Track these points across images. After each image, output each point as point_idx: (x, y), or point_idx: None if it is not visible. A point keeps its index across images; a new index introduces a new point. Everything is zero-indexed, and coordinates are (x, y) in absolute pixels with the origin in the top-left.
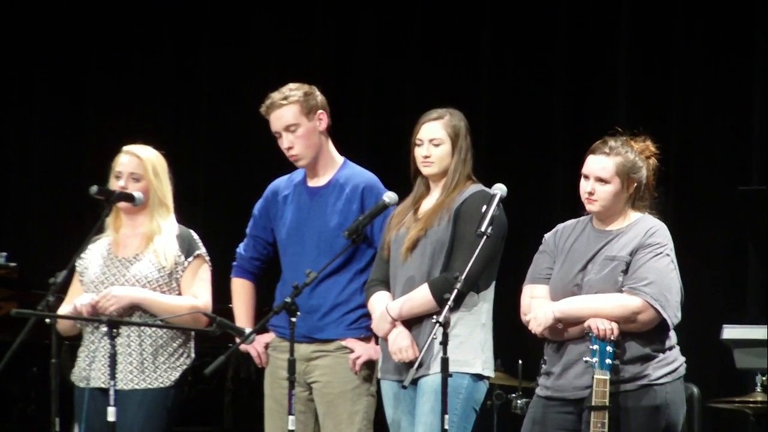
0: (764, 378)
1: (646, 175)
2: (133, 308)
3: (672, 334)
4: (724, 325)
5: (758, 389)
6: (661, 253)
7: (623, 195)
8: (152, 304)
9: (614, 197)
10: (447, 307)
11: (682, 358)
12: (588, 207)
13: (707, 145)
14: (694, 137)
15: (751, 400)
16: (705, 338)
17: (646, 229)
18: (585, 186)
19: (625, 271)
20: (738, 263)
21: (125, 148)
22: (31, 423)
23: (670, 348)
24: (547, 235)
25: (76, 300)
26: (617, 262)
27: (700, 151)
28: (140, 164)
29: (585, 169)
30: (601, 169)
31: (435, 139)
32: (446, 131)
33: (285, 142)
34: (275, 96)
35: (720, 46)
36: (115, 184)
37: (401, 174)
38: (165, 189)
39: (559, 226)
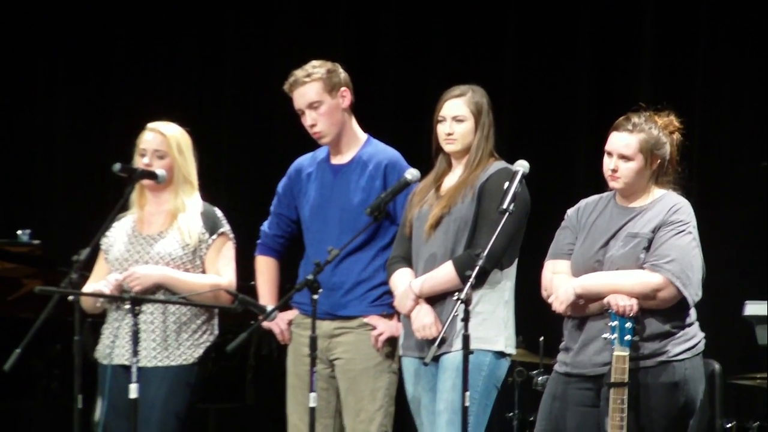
0: None
1: (670, 150)
2: (158, 286)
3: (692, 311)
4: (747, 302)
5: None
6: (683, 230)
7: (646, 172)
8: (176, 283)
9: (637, 174)
10: (468, 284)
11: (702, 334)
12: (611, 184)
13: (730, 121)
14: (717, 114)
15: None
16: (727, 315)
17: (669, 206)
18: (608, 163)
19: (647, 248)
20: (761, 240)
21: (149, 125)
22: (55, 399)
23: (690, 324)
24: (569, 211)
25: (109, 276)
26: (639, 239)
27: (723, 128)
28: (164, 141)
29: (608, 146)
30: (624, 146)
31: (458, 116)
32: (469, 108)
33: (308, 119)
34: (298, 73)
35: (743, 21)
36: (139, 162)
37: (424, 150)
38: (189, 166)
39: (582, 202)
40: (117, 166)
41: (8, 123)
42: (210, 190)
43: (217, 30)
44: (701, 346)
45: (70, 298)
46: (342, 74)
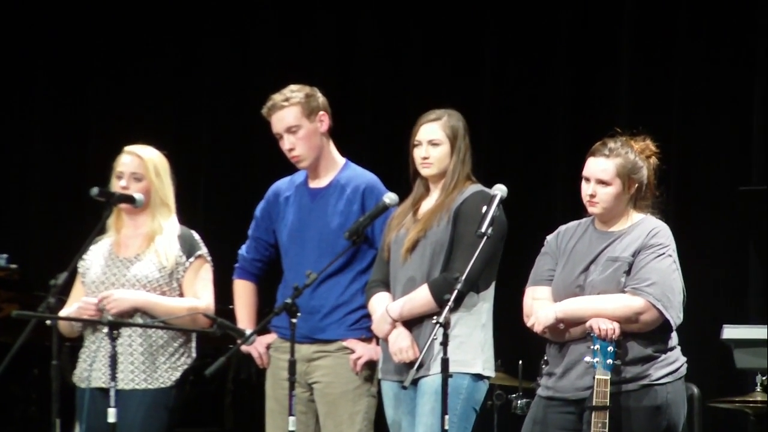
0: (764, 378)
1: (647, 174)
2: (135, 309)
3: (674, 334)
4: (725, 325)
5: (758, 389)
6: (663, 254)
7: (625, 196)
8: (154, 307)
9: (616, 199)
10: (447, 307)
11: (683, 358)
12: (590, 209)
13: (707, 145)
14: (694, 137)
15: (751, 399)
16: (705, 338)
17: (649, 230)
18: (586, 189)
19: (628, 272)
20: (738, 263)
21: (127, 148)
22: (33, 424)
23: (672, 348)
24: (549, 237)
25: (84, 298)
26: (620, 263)
27: (701, 151)
28: (142, 164)
29: (585, 172)
30: (601, 171)
31: (433, 140)
32: (444, 132)
33: (286, 143)
34: (276, 97)
35: (720, 45)
36: (116, 185)
37: (402, 175)
38: (167, 189)
39: (561, 228)
40: (95, 190)
41: None
42: (188, 214)
43: (195, 52)
44: (683, 370)
45: (48, 322)
46: (320, 98)
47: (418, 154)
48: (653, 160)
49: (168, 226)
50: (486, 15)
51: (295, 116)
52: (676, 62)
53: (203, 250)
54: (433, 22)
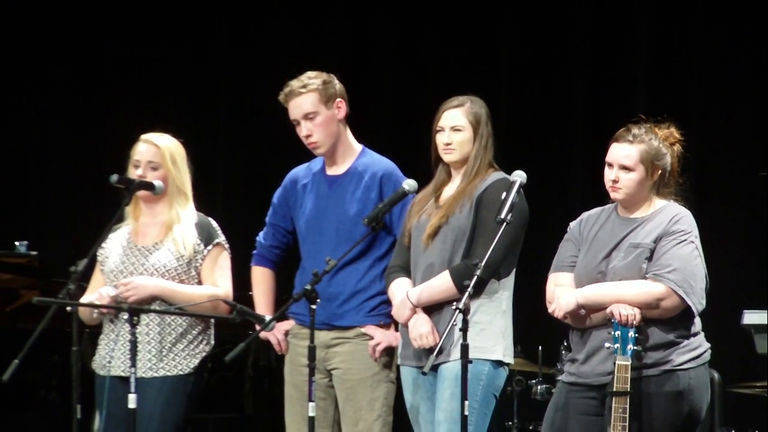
0: None
1: (671, 161)
2: (154, 297)
3: (697, 320)
4: (745, 311)
5: None
6: (685, 240)
7: (647, 182)
8: (173, 295)
9: (638, 185)
10: (467, 293)
11: (707, 345)
12: (612, 195)
13: (727, 131)
14: (713, 123)
15: None
16: (725, 323)
17: (671, 217)
18: (609, 174)
19: (650, 258)
20: (759, 248)
21: (143, 136)
22: (53, 410)
23: (695, 334)
24: (572, 224)
25: (101, 289)
26: (642, 249)
27: (720, 137)
28: (158, 153)
29: (609, 157)
30: (624, 157)
31: (456, 126)
32: (467, 118)
33: (303, 129)
34: (294, 84)
35: (739, 32)
36: (133, 173)
37: (420, 162)
38: (183, 177)
39: (584, 215)
40: (114, 178)
41: (3, 135)
42: (206, 201)
43: (212, 41)
44: (707, 356)
45: (68, 308)
46: (338, 86)
47: (440, 140)
48: (677, 147)
49: (185, 214)
50: (504, 1)
51: (312, 102)
52: (694, 49)
53: (221, 237)
54: (451, 7)
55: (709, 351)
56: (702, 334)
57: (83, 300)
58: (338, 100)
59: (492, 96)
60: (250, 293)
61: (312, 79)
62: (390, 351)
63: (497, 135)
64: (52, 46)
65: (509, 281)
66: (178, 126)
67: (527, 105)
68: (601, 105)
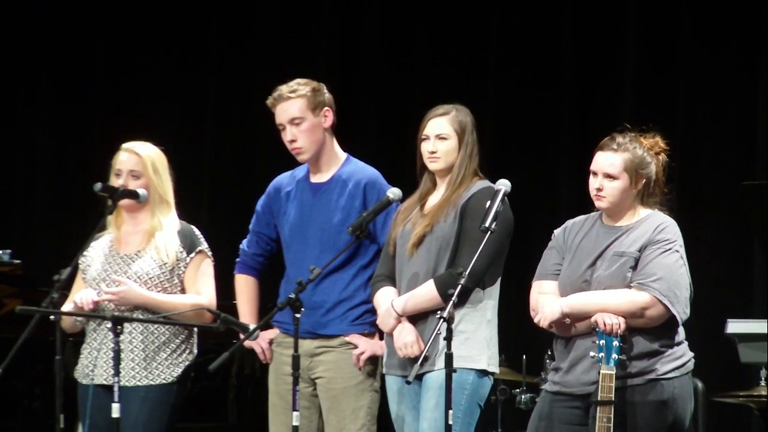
0: None
1: (655, 170)
2: (137, 306)
3: (681, 330)
4: (729, 320)
5: (762, 383)
6: (670, 249)
7: (632, 191)
8: (157, 305)
9: (622, 193)
10: (451, 302)
11: (690, 354)
12: (597, 203)
13: (711, 140)
14: (698, 132)
15: (756, 394)
16: (709, 332)
17: (656, 225)
18: (593, 182)
19: (634, 267)
20: (742, 258)
21: (124, 145)
22: (36, 419)
23: (679, 343)
24: (556, 231)
25: (76, 296)
26: (626, 258)
27: (705, 146)
28: (139, 161)
29: (593, 166)
30: (609, 165)
31: (441, 135)
32: (452, 126)
33: (288, 134)
34: (283, 89)
35: (725, 42)
36: (115, 182)
37: (405, 171)
38: (165, 185)
39: (568, 222)
40: (98, 186)
41: None
42: (190, 209)
43: (199, 48)
44: (690, 365)
45: (52, 317)
46: (326, 95)
47: (425, 148)
48: (662, 156)
49: (168, 222)
50: (491, 10)
51: (299, 108)
52: (680, 58)
53: (204, 245)
54: (438, 16)
55: (693, 360)
56: (686, 343)
57: (65, 308)
58: (326, 108)
59: (478, 105)
60: (235, 302)
61: (302, 85)
62: (374, 360)
63: (483, 143)
64: (38, 54)
65: (494, 290)
66: (164, 134)
67: (513, 113)
68: (587, 114)
